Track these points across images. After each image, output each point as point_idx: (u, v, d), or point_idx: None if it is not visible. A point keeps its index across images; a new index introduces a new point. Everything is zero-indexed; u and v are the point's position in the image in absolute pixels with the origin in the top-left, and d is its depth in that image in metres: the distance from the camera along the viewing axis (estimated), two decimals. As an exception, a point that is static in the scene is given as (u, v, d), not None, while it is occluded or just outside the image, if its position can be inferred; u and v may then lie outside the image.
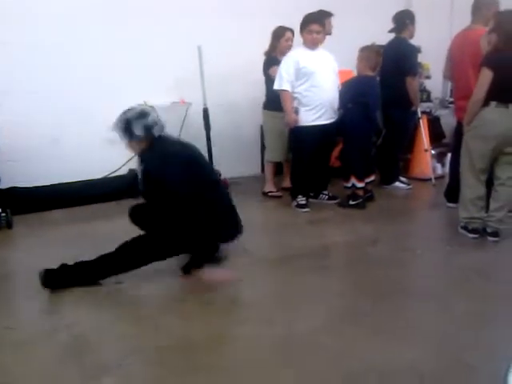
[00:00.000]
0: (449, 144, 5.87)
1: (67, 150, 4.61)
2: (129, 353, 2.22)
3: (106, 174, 4.88)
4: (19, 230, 3.88)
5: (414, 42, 4.88)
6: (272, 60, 4.52)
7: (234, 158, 5.30)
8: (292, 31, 4.53)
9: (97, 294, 2.76)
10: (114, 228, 3.59)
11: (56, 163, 4.53)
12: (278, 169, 4.96)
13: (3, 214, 3.91)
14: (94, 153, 4.71)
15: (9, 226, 3.89)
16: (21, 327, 2.44)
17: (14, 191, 4.28)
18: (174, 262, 3.00)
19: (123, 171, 4.98)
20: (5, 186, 4.13)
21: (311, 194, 4.51)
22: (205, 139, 5.01)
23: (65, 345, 2.29)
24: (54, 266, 2.82)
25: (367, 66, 4.30)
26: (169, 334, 2.37)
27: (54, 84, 4.47)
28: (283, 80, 4.18)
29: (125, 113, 3.04)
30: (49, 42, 4.42)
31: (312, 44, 4.19)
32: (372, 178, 4.54)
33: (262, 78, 4.76)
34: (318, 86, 4.16)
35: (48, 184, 4.47)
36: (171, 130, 4.95)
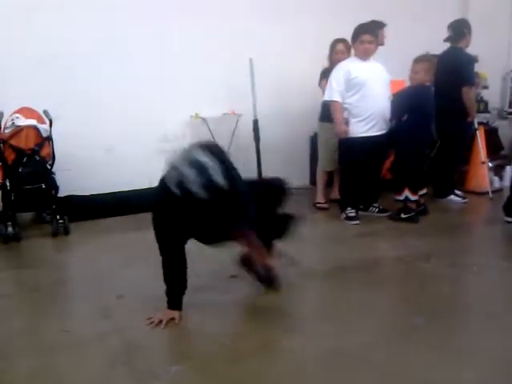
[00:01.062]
0: (507, 156, 5.64)
1: (121, 159, 4.76)
2: (177, 360, 2.24)
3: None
4: (75, 237, 4.04)
5: (470, 50, 4.75)
6: (325, 72, 4.51)
7: (284, 169, 5.24)
8: (345, 43, 4.51)
9: (149, 301, 2.81)
10: None
11: (111, 172, 4.70)
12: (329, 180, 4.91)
13: (61, 221, 4.08)
14: (147, 163, 4.83)
15: (66, 232, 4.06)
16: (75, 330, 2.52)
17: (71, 199, 4.47)
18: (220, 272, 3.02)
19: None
20: (63, 194, 4.31)
21: (361, 207, 4.43)
22: (254, 150, 5.06)
23: (116, 349, 2.34)
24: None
25: (425, 77, 4.19)
26: (217, 342, 2.37)
27: (109, 95, 4.65)
28: (333, 91, 4.16)
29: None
30: (104, 54, 4.61)
31: (364, 54, 4.15)
32: (425, 190, 4.41)
33: (312, 89, 4.76)
34: (369, 96, 4.11)
35: (103, 192, 4.64)
36: (222, 141, 5.07)
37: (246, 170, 5.01)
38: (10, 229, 3.95)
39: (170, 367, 2.17)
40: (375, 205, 4.49)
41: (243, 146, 5.13)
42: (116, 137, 4.72)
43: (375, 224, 4.24)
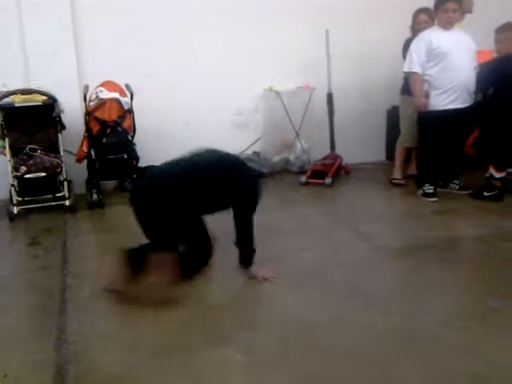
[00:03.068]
0: None
1: (197, 132, 4.86)
2: (250, 327, 2.31)
3: (232, 156, 5.08)
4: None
5: None
6: (408, 43, 4.31)
7: (358, 144, 5.19)
8: (428, 12, 4.28)
9: (222, 268, 2.91)
10: None
11: (187, 144, 4.80)
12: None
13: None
14: (222, 135, 4.91)
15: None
16: (156, 295, 2.65)
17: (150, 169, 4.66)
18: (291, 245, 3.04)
19: (248, 153, 5.15)
20: (143, 164, 4.50)
21: (440, 183, 4.25)
22: (328, 124, 4.99)
23: (194, 312, 2.44)
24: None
25: (511, 46, 3.88)
26: (288, 312, 2.42)
27: (186, 69, 4.75)
28: (413, 62, 3.98)
29: None
30: (183, 29, 4.70)
31: (447, 23, 3.92)
32: (512, 168, 4.14)
33: (391, 61, 4.59)
34: (451, 67, 3.89)
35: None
36: (295, 114, 5.06)
37: (320, 144, 5.03)
38: (94, 196, 4.23)
39: (243, 334, 2.24)
40: (456, 181, 4.29)
41: (317, 119, 5.06)
42: (193, 110, 4.83)
43: (455, 202, 4.06)
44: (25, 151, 4.02)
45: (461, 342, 2.13)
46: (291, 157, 5.17)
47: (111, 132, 4.25)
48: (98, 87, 4.26)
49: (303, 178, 4.75)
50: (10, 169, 3.99)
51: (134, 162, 4.31)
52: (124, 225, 3.85)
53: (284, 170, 5.18)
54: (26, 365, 2.06)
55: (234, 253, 2.74)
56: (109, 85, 4.28)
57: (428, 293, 2.59)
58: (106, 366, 2.03)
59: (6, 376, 1.97)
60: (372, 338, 2.18)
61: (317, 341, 2.18)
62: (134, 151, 4.31)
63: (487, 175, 4.05)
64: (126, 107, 4.27)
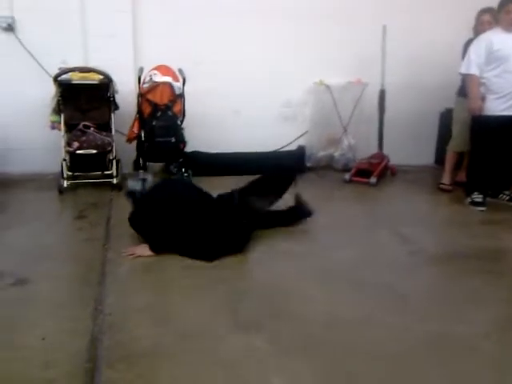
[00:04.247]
0: None
1: (246, 122, 4.91)
2: (278, 316, 2.31)
3: (278, 148, 5.10)
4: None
5: None
6: (469, 44, 4.15)
7: (407, 145, 5.07)
8: (492, 13, 4.10)
9: (256, 258, 2.93)
10: None
11: (235, 133, 4.87)
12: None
13: (185, 174, 4.37)
14: (269, 127, 4.95)
15: (189, 182, 4.34)
16: (189, 275, 2.72)
17: (196, 155, 4.74)
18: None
19: (293, 147, 5.14)
20: (189, 149, 4.58)
21: (489, 192, 4.09)
22: (377, 122, 4.90)
23: (225, 297, 2.48)
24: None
25: None
26: (317, 307, 2.41)
27: (239, 59, 4.77)
28: (471, 63, 3.84)
29: None
30: (238, 18, 4.71)
31: (509, 25, 3.76)
32: None
33: (449, 62, 4.42)
34: (510, 72, 3.73)
35: (226, 152, 4.84)
36: (344, 109, 5.00)
37: (367, 142, 4.94)
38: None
39: (270, 323, 2.25)
40: (506, 192, 4.12)
41: (366, 116, 4.98)
42: (243, 100, 4.85)
43: (503, 213, 3.90)
44: (78, 127, 4.18)
45: (499, 355, 2.07)
46: (336, 153, 5.12)
47: (162, 115, 4.34)
48: (152, 70, 4.35)
49: (347, 176, 4.69)
50: (63, 144, 4.16)
51: (182, 146, 4.39)
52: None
53: (328, 166, 5.14)
54: (63, 331, 2.15)
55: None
56: (163, 68, 4.36)
57: (467, 302, 2.52)
58: (137, 339, 2.10)
59: (43, 339, 2.07)
60: (402, 343, 2.13)
61: (342, 337, 2.16)
62: (182, 136, 4.39)
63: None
64: (177, 92, 4.35)
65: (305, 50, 4.88)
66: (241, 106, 4.89)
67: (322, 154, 5.14)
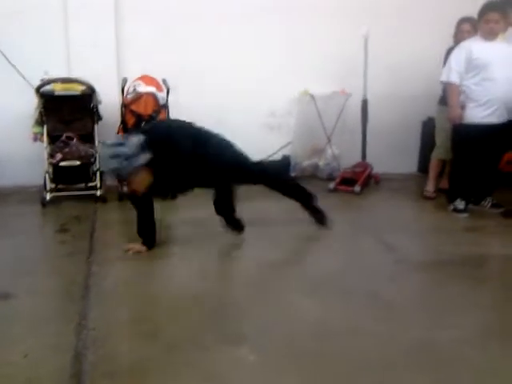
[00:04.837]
0: None
1: (230, 131, 4.88)
2: (264, 328, 2.30)
3: (262, 157, 5.10)
4: (181, 200, 4.16)
5: None
6: (449, 52, 4.23)
7: (390, 154, 5.11)
8: (471, 22, 4.18)
9: (242, 269, 2.93)
10: (256, 208, 3.90)
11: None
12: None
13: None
14: (254, 136, 4.94)
15: (173, 196, 4.28)
16: (176, 286, 2.69)
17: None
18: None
19: (277, 156, 5.16)
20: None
21: (472, 199, 4.15)
22: (360, 132, 4.94)
23: (210, 309, 2.46)
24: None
25: None
26: (304, 317, 2.41)
27: (222, 68, 4.79)
28: (452, 71, 3.89)
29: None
30: (221, 28, 4.75)
31: (487, 34, 3.82)
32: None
33: (430, 71, 4.48)
34: (490, 79, 3.78)
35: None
36: (329, 119, 5.03)
37: (351, 151, 4.98)
38: (125, 187, 4.26)
39: (257, 334, 2.24)
40: (488, 199, 4.17)
41: (350, 126, 5.02)
42: (226, 109, 4.85)
43: (486, 219, 3.95)
44: (61, 139, 4.14)
45: (481, 360, 2.08)
46: (321, 163, 5.14)
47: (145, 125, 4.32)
48: (135, 80, 4.35)
49: (332, 185, 4.72)
50: (45, 155, 4.11)
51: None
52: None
53: (313, 176, 5.16)
54: (46, 347, 2.12)
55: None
56: (146, 79, 4.36)
57: (451, 308, 2.54)
58: (122, 354, 2.07)
59: (26, 356, 2.03)
60: (389, 350, 2.14)
61: (331, 348, 2.16)
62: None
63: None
64: (161, 102, 4.34)
65: (288, 60, 4.91)
66: (225, 115, 4.88)
67: (306, 163, 5.16)
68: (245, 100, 4.85)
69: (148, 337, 2.20)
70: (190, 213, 3.86)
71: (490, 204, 4.16)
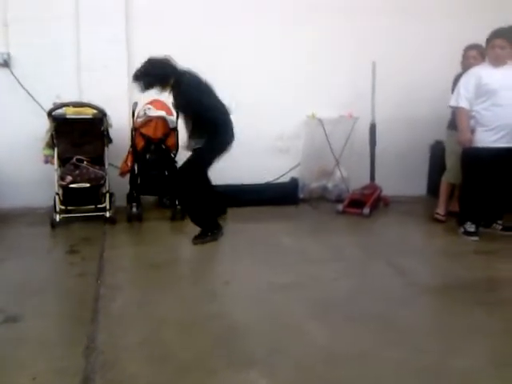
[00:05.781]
0: None
1: (238, 154, 4.91)
2: (275, 352, 2.27)
3: (271, 179, 5.13)
4: (189, 222, 4.24)
5: None
6: (457, 78, 4.26)
7: (399, 177, 5.12)
8: (478, 49, 4.23)
9: (251, 291, 2.91)
10: (265, 229, 3.96)
11: (227, 166, 4.84)
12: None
13: (179, 207, 4.36)
14: (262, 159, 4.99)
15: (182, 217, 4.30)
16: (185, 309, 2.68)
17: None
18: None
19: (286, 178, 5.17)
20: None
21: (482, 222, 4.12)
22: (369, 155, 4.95)
23: (219, 332, 2.44)
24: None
25: None
26: (314, 341, 2.38)
27: (232, 92, 4.79)
28: (461, 96, 3.92)
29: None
30: (230, 53, 4.83)
31: (494, 60, 3.86)
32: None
33: (437, 95, 4.53)
34: (499, 105, 3.81)
35: (219, 184, 4.84)
36: (337, 141, 5.06)
37: (359, 173, 4.98)
38: (134, 209, 4.33)
39: (267, 358, 2.22)
40: (499, 222, 4.15)
41: (358, 149, 5.04)
42: (236, 132, 4.89)
43: (497, 242, 3.91)
44: (72, 161, 4.19)
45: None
46: (329, 184, 5.15)
47: (155, 149, 4.37)
48: (146, 105, 4.41)
49: (340, 207, 4.71)
50: (56, 177, 4.15)
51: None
52: (160, 239, 3.95)
53: (321, 198, 5.16)
54: (55, 370, 2.10)
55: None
56: (157, 103, 4.42)
57: (463, 334, 2.49)
58: (131, 377, 2.05)
59: (34, 379, 2.02)
60: (400, 377, 2.10)
61: (341, 374, 2.12)
62: (176, 169, 4.40)
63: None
64: (171, 125, 4.39)
65: (297, 84, 4.96)
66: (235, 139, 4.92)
67: (315, 185, 5.18)
68: (253, 123, 4.88)
69: (157, 361, 2.18)
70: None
71: (501, 227, 4.13)
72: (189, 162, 3.78)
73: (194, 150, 3.77)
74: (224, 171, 4.82)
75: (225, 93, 4.72)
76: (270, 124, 4.99)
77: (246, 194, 4.82)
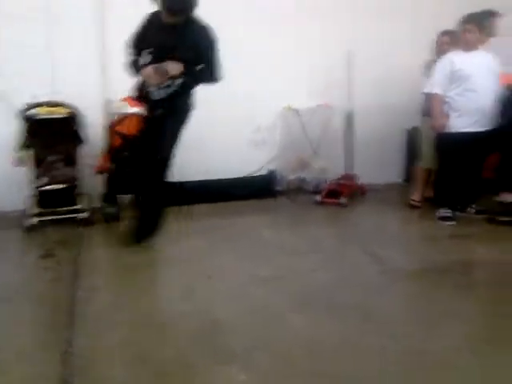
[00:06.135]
0: None
1: (214, 148, 4.90)
2: (256, 345, 2.28)
3: (248, 173, 5.11)
4: (167, 221, 4.23)
5: None
6: (429, 64, 4.29)
7: (375, 165, 5.15)
8: (450, 35, 4.27)
9: (232, 286, 2.91)
10: (244, 223, 3.96)
11: (204, 160, 4.86)
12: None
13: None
14: (239, 152, 4.96)
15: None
16: (163, 309, 2.67)
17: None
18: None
19: (263, 171, 5.17)
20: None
21: (458, 207, 4.18)
22: (346, 143, 4.98)
23: (199, 328, 2.44)
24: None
25: None
26: (295, 333, 2.39)
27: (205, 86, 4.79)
28: (435, 83, 3.97)
29: None
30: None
31: (465, 45, 3.91)
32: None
33: (411, 82, 4.56)
34: (472, 90, 3.87)
35: (196, 180, 4.83)
36: (313, 133, 5.06)
37: (337, 163, 5.01)
38: (111, 209, 4.27)
39: (248, 352, 2.22)
40: (473, 205, 4.21)
41: (335, 139, 5.06)
42: (211, 126, 4.86)
43: (472, 226, 3.98)
44: (45, 162, 4.11)
45: (472, 367, 2.09)
46: (307, 175, 5.16)
47: (131, 146, 4.31)
48: (120, 102, 4.34)
49: (318, 197, 4.73)
50: (29, 180, 4.07)
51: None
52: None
53: (299, 189, 5.17)
54: (32, 376, 2.07)
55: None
56: (131, 100, 4.35)
57: (440, 317, 2.54)
58: (110, 380, 2.04)
59: (11, 386, 2.00)
60: (380, 363, 2.14)
61: (323, 364, 2.14)
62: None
63: (501, 200, 3.96)
64: (147, 122, 4.33)
65: (272, 75, 4.93)
66: (210, 132, 4.88)
67: (292, 177, 5.18)
68: (229, 116, 4.85)
69: (136, 362, 2.17)
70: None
71: (475, 211, 4.19)
72: (169, 137, 3.40)
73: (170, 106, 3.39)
74: (200, 166, 4.82)
75: (199, 87, 4.73)
76: (246, 117, 4.96)
77: (224, 188, 4.80)
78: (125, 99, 4.33)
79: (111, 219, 4.23)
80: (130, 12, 4.59)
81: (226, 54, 4.77)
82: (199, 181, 4.82)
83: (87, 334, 2.40)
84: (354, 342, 2.32)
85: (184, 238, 3.79)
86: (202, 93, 4.68)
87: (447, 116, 3.96)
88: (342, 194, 4.69)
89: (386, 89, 5.09)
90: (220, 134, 4.88)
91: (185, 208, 4.52)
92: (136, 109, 4.28)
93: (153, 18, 3.37)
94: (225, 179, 4.85)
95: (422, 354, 2.19)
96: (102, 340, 2.35)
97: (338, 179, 4.93)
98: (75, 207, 4.14)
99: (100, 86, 4.57)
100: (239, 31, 4.78)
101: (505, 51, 4.02)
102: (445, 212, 4.08)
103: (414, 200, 4.57)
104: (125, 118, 4.27)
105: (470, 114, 3.89)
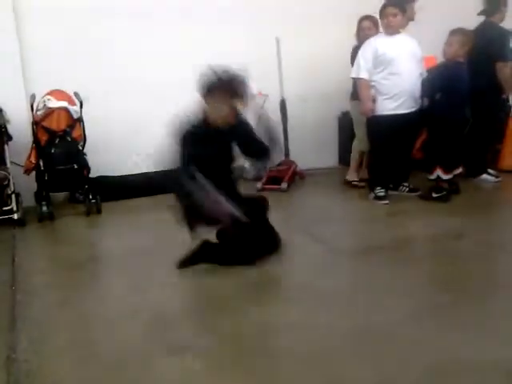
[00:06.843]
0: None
1: (149, 140, 4.78)
2: (206, 333, 2.28)
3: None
4: (107, 216, 4.14)
5: (506, 25, 4.57)
6: (355, 50, 4.42)
7: (311, 150, 5.26)
8: (371, 19, 4.42)
9: (178, 277, 2.88)
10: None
11: (140, 154, 4.76)
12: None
13: (93, 201, 4.19)
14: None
15: (98, 211, 4.17)
16: (109, 305, 2.60)
17: (102, 180, 4.56)
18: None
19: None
20: (94, 174, 4.39)
21: (390, 186, 4.37)
22: (282, 130, 5.03)
23: (149, 322, 2.40)
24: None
25: (460, 51, 4.02)
26: (246, 318, 2.41)
27: (135, 77, 4.66)
28: (360, 68, 4.10)
29: None
30: (132, 34, 4.67)
31: (387, 28, 4.06)
32: (459, 170, 4.30)
33: (340, 68, 4.68)
34: (396, 73, 4.02)
35: (133, 173, 4.71)
36: (250, 120, 5.07)
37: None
38: (44, 208, 4.08)
39: (201, 340, 2.22)
40: (405, 184, 4.42)
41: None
42: (144, 119, 4.75)
43: (405, 203, 4.18)
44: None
45: (414, 338, 2.19)
46: (246, 164, 5.17)
47: (60, 142, 4.13)
48: (45, 96, 4.14)
49: (259, 185, 4.77)
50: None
51: (85, 172, 4.20)
52: (75, 237, 3.77)
53: (240, 178, 5.17)
54: (-27, 387, 1.96)
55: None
56: (57, 93, 4.17)
57: (382, 293, 2.64)
58: (59, 382, 1.96)
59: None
60: (329, 341, 2.19)
61: (273, 345, 2.20)
62: (85, 161, 4.21)
63: (433, 177, 4.19)
64: (75, 116, 4.17)
65: (203, 66, 4.88)
66: (142, 125, 4.77)
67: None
68: (161, 107, 4.74)
69: (87, 360, 2.10)
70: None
71: (407, 189, 4.41)
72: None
73: None
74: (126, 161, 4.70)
75: (131, 81, 4.60)
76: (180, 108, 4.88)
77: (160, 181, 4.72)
78: (50, 93, 4.15)
79: (45, 218, 4.05)
80: (47, 4, 4.43)
81: (156, 44, 4.71)
82: (134, 174, 4.72)
83: (30, 337, 2.29)
84: (303, 321, 2.37)
85: (129, 232, 3.71)
86: (131, 84, 4.59)
87: (374, 100, 4.11)
88: (282, 179, 4.76)
89: (316, 75, 5.18)
90: (154, 126, 4.70)
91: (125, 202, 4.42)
92: (63, 102, 4.12)
93: None
94: (162, 171, 4.76)
95: (366, 329, 2.27)
96: (48, 343, 2.26)
97: (277, 166, 4.99)
98: (6, 208, 3.93)
99: (21, 80, 4.36)
100: (166, 22, 4.69)
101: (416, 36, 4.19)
102: (379, 192, 4.25)
103: (354, 180, 4.72)
104: (51, 112, 4.09)
105: (395, 96, 4.05)
